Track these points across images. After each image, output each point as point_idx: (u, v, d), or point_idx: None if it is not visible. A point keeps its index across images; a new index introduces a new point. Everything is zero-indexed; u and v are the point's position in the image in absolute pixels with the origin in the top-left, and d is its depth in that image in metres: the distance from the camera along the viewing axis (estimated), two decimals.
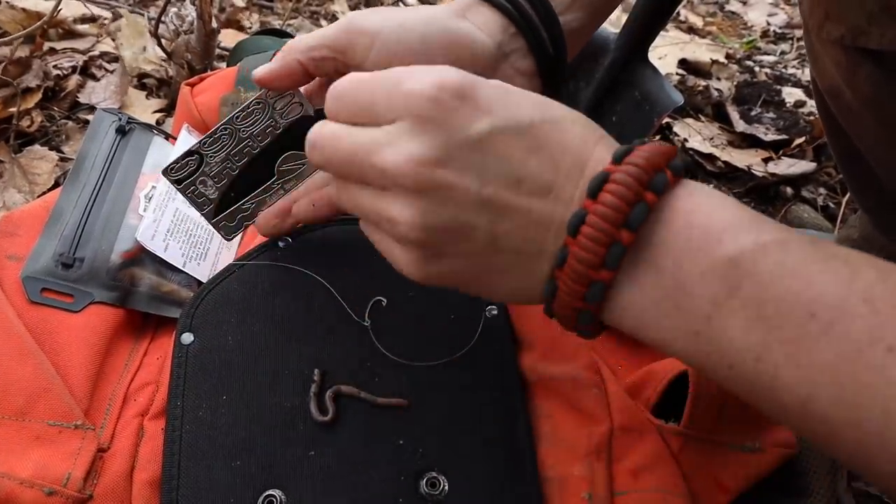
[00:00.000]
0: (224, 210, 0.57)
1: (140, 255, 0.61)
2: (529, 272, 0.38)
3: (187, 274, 0.62)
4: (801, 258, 0.32)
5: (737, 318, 0.32)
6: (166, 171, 0.54)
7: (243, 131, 0.54)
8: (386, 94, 0.37)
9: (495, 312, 0.55)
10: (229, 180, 0.56)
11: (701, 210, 0.34)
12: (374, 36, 0.48)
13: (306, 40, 0.50)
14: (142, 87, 1.15)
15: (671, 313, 0.34)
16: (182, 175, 0.55)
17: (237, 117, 0.54)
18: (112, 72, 1.14)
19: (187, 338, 0.54)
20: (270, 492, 0.46)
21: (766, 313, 0.31)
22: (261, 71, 0.51)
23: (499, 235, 0.36)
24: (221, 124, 0.53)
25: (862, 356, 0.29)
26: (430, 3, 1.61)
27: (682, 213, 0.34)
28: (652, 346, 0.36)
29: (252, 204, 0.57)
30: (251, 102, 0.53)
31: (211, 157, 0.55)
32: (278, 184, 0.57)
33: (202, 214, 0.57)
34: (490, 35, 0.51)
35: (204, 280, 0.62)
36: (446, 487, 0.47)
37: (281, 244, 0.58)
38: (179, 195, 0.56)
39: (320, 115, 0.43)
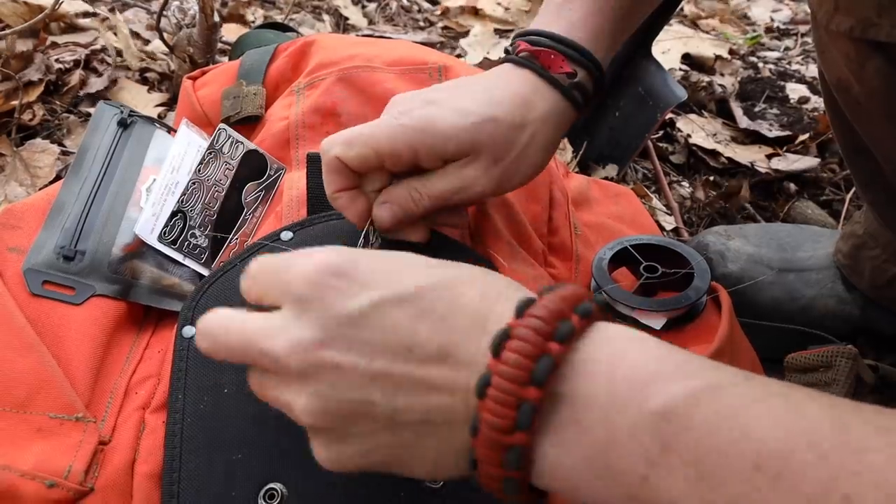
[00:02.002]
0: (217, 252, 0.63)
1: (141, 249, 0.61)
2: (446, 443, 0.35)
3: (188, 267, 0.62)
4: (736, 403, 0.29)
5: (675, 477, 0.29)
6: (160, 238, 0.61)
7: (207, 180, 0.63)
8: (275, 281, 0.37)
9: None
10: (212, 225, 0.63)
11: (623, 358, 0.32)
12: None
13: (437, 201, 0.53)
14: (144, 80, 1.15)
15: (603, 474, 0.31)
16: (174, 236, 0.62)
17: (198, 170, 0.62)
18: (114, 66, 1.14)
19: (189, 331, 0.53)
20: (272, 485, 0.46)
21: (707, 469, 0.28)
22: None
23: (399, 409, 0.34)
24: (189, 180, 0.62)
25: None
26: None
27: (602, 364, 0.32)
28: None
29: (237, 239, 0.65)
30: (204, 154, 0.62)
31: (191, 210, 0.63)
32: (249, 213, 0.66)
33: (201, 265, 0.63)
34: (547, 119, 0.55)
35: (205, 274, 0.62)
36: (447, 480, 0.47)
37: (283, 237, 0.58)
38: (178, 255, 0.62)
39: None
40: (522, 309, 0.33)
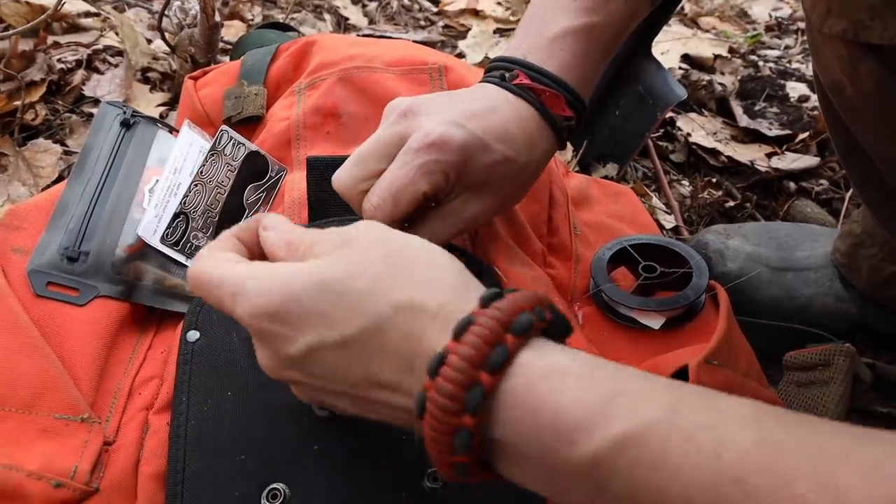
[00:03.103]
0: None
1: (144, 250, 0.62)
2: (407, 425, 0.39)
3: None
4: (660, 448, 0.29)
5: None
6: (163, 240, 0.61)
7: (209, 181, 0.63)
8: (228, 309, 0.41)
9: None
10: (214, 227, 0.64)
11: (545, 407, 0.32)
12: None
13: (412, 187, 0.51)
14: (145, 80, 1.16)
15: (557, 494, 0.34)
16: (177, 237, 0.62)
17: (201, 171, 0.62)
18: (116, 65, 1.15)
19: (193, 335, 0.54)
20: (275, 485, 0.47)
21: None
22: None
23: (361, 409, 0.41)
24: (191, 181, 0.62)
25: None
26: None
27: (526, 415, 0.33)
28: None
29: None
30: (207, 155, 0.62)
31: (193, 212, 0.63)
32: (250, 214, 0.66)
33: None
34: (544, 158, 0.58)
35: None
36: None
37: None
38: (180, 256, 0.63)
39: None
40: (434, 371, 0.34)
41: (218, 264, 0.41)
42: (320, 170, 0.62)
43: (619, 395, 0.32)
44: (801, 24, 1.76)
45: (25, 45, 1.06)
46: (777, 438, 0.28)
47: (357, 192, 0.52)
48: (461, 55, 1.43)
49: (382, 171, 0.51)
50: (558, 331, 0.37)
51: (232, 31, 1.34)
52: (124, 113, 0.69)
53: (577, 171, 0.92)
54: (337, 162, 0.63)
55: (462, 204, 0.54)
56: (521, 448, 0.33)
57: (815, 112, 1.33)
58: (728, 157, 1.18)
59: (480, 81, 0.59)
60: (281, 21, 1.18)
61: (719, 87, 1.37)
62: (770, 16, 1.82)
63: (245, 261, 0.42)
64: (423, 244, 0.41)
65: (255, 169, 0.67)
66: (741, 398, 0.32)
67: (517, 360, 0.34)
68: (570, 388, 0.32)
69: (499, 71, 0.58)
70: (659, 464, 0.29)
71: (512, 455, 0.34)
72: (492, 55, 1.42)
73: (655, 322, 0.60)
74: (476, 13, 1.61)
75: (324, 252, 0.40)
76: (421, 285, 0.38)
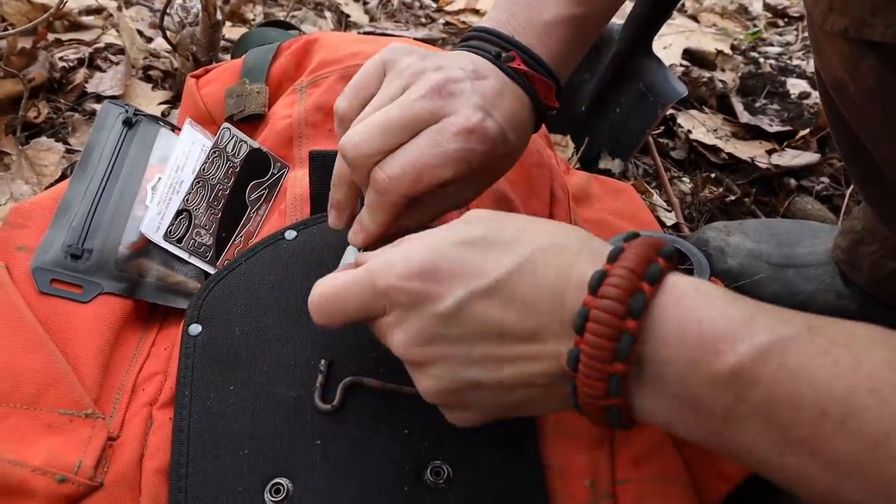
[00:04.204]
0: (222, 250, 0.64)
1: (147, 247, 0.62)
2: (551, 393, 0.40)
3: (194, 265, 0.63)
4: (801, 356, 0.32)
5: (752, 422, 0.33)
6: (166, 237, 0.62)
7: (212, 178, 0.64)
8: (370, 297, 0.42)
9: None
10: (217, 224, 0.64)
11: (692, 319, 0.34)
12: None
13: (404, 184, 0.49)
14: (147, 78, 1.16)
15: (690, 417, 0.35)
16: (179, 234, 0.63)
17: (203, 170, 0.63)
18: (118, 63, 1.15)
19: (195, 329, 0.54)
20: (278, 480, 0.47)
21: (779, 416, 0.32)
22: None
23: (504, 380, 0.40)
24: (194, 179, 0.62)
25: (879, 448, 0.29)
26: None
27: (674, 328, 0.35)
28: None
29: (241, 237, 0.65)
30: (209, 153, 0.62)
31: (196, 209, 0.63)
32: (253, 211, 0.67)
33: (206, 262, 0.64)
34: (527, 140, 0.56)
35: (211, 272, 0.63)
36: (450, 475, 0.48)
37: (287, 236, 0.59)
38: (183, 253, 0.63)
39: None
40: (596, 285, 0.36)
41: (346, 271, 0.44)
42: (323, 164, 0.62)
43: (760, 313, 0.34)
44: (803, 22, 1.76)
45: (25, 43, 1.06)
46: None
47: (371, 161, 0.49)
48: None
49: (402, 144, 0.49)
50: None
51: (233, 30, 1.34)
52: (126, 112, 0.70)
53: (577, 169, 0.92)
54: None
55: (461, 188, 0.53)
56: (664, 364, 0.35)
57: (816, 109, 1.33)
58: (729, 154, 1.18)
59: (465, 49, 0.56)
60: (282, 19, 1.18)
61: (720, 84, 1.37)
62: (772, 13, 1.82)
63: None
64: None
65: (257, 167, 0.67)
66: (868, 324, 0.34)
67: (666, 282, 0.36)
68: (715, 305, 0.34)
69: (491, 46, 0.55)
70: (798, 373, 0.31)
71: (654, 375, 0.35)
72: None
73: None
74: (476, 11, 1.61)
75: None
76: (559, 232, 0.40)
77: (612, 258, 0.36)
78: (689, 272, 0.62)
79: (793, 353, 0.32)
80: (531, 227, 0.41)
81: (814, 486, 0.32)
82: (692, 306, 0.35)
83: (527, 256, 0.38)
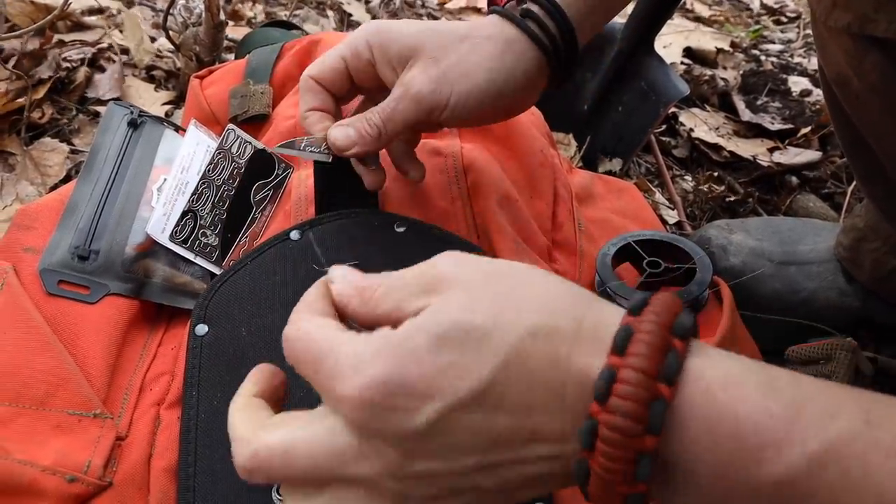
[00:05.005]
0: (228, 251, 0.65)
1: (153, 248, 0.62)
2: (556, 480, 0.33)
3: (200, 266, 0.63)
4: (861, 463, 0.26)
5: None
6: (172, 238, 0.62)
7: (217, 180, 0.64)
8: (319, 384, 0.34)
9: None
10: (222, 225, 0.65)
11: (724, 418, 0.28)
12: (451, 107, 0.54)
13: (389, 122, 0.55)
14: (150, 79, 1.16)
15: None
16: (185, 235, 0.63)
17: (208, 171, 0.63)
18: (123, 64, 1.15)
19: (201, 329, 0.55)
20: None
21: None
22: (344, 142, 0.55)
23: (506, 481, 0.33)
24: (199, 180, 0.62)
25: None
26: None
27: (702, 431, 0.28)
28: None
29: (246, 238, 0.66)
30: (214, 154, 0.62)
31: (201, 210, 0.64)
32: (258, 212, 0.67)
33: (212, 263, 0.64)
34: (528, 71, 0.56)
35: (217, 272, 0.63)
36: None
37: (292, 236, 0.59)
38: (189, 254, 0.63)
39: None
40: (603, 396, 0.29)
41: (321, 329, 0.35)
42: (326, 165, 0.62)
43: (806, 403, 0.28)
44: (805, 19, 1.77)
45: (30, 45, 1.06)
46: None
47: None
48: None
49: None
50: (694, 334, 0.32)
51: (236, 29, 1.34)
52: (131, 113, 0.70)
53: (580, 168, 0.93)
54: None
55: (403, 73, 0.56)
56: (694, 470, 0.29)
57: (818, 106, 1.34)
58: (730, 152, 1.18)
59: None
60: (284, 19, 1.18)
61: (721, 82, 1.38)
62: (774, 10, 1.82)
63: (344, 329, 0.35)
64: (510, 262, 0.36)
65: (261, 167, 0.67)
66: None
67: (688, 368, 0.30)
68: (751, 398, 0.28)
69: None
70: (860, 485, 0.26)
71: (681, 480, 0.30)
72: None
73: None
74: (477, 10, 1.61)
75: (408, 296, 0.34)
76: (547, 307, 0.32)
77: (620, 348, 0.29)
78: (693, 271, 0.63)
79: (852, 459, 0.27)
80: (508, 303, 0.32)
81: None
82: (725, 402, 0.29)
83: (512, 347, 0.31)
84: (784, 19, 1.80)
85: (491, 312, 0.32)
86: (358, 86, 0.59)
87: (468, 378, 0.31)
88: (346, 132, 0.54)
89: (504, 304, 0.32)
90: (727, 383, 0.29)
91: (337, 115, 0.59)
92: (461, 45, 0.55)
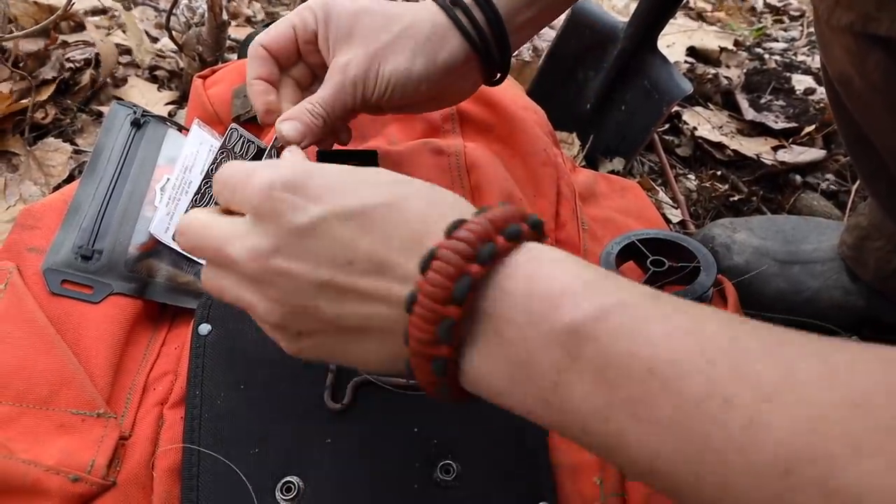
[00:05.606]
0: None
1: (157, 247, 0.62)
2: (385, 346, 0.38)
3: (203, 265, 0.63)
4: (641, 318, 0.31)
5: (581, 384, 0.32)
6: (174, 237, 0.61)
7: None
8: (240, 189, 0.40)
9: None
10: None
11: (541, 276, 0.34)
12: (389, 82, 0.57)
13: (331, 109, 0.57)
14: (153, 79, 1.16)
15: (523, 382, 0.34)
16: None
17: (211, 170, 0.61)
18: (125, 64, 1.15)
19: (204, 328, 0.55)
20: (288, 478, 0.48)
21: (609, 376, 0.31)
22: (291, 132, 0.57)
23: (342, 315, 0.38)
24: (202, 180, 0.61)
25: (700, 410, 0.29)
26: None
27: (521, 282, 0.34)
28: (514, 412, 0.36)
29: None
30: (217, 153, 0.62)
31: (205, 209, 0.62)
32: None
33: None
34: (449, 60, 0.58)
35: None
36: (460, 473, 0.48)
37: None
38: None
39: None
40: (451, 230, 0.35)
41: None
42: (330, 162, 0.63)
43: (608, 278, 0.34)
44: (808, 17, 1.76)
45: (35, 45, 1.06)
46: (741, 330, 0.31)
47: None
48: None
49: None
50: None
51: (240, 29, 1.34)
52: (135, 113, 0.70)
53: (583, 167, 0.92)
54: (347, 154, 0.64)
55: (338, 57, 0.58)
56: (506, 321, 0.34)
57: (822, 105, 1.33)
58: (734, 151, 1.18)
59: None
60: None
61: (725, 81, 1.37)
62: (777, 9, 1.82)
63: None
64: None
65: None
66: (720, 309, 0.34)
67: (524, 244, 0.35)
68: (568, 267, 0.34)
69: None
70: (635, 332, 0.31)
71: (495, 333, 0.34)
72: None
73: None
74: None
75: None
76: (445, 192, 0.40)
77: (448, 232, 0.35)
78: (697, 270, 0.63)
79: (634, 314, 0.32)
80: (422, 184, 0.40)
81: (632, 456, 0.31)
82: (543, 264, 0.34)
83: (401, 195, 0.38)
84: (786, 19, 1.80)
85: (395, 176, 0.40)
86: (303, 57, 0.61)
87: (356, 197, 0.37)
88: (294, 126, 0.56)
89: (420, 182, 0.40)
90: (553, 255, 0.35)
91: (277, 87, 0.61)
92: (392, 27, 0.57)
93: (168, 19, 1.04)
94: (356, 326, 0.38)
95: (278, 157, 0.59)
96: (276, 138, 0.58)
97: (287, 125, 0.56)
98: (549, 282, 0.33)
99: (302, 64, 0.61)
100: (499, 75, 0.63)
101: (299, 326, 0.40)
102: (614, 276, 0.35)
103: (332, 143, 0.63)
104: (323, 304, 0.38)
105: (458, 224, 0.35)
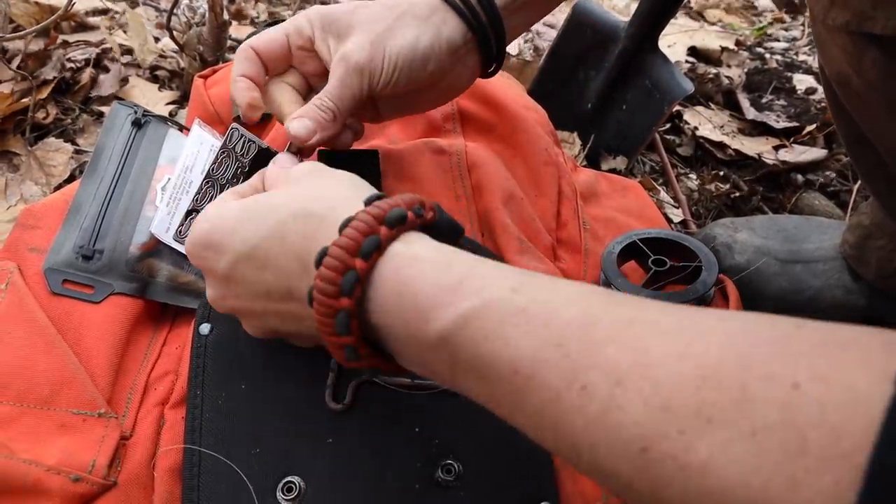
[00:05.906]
0: None
1: (158, 247, 0.62)
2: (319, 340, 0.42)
3: None
4: (496, 320, 0.33)
5: (468, 381, 0.35)
6: (176, 237, 0.61)
7: (221, 178, 0.63)
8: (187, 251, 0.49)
9: None
10: None
11: (408, 287, 0.37)
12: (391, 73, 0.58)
13: (340, 102, 0.57)
14: (154, 78, 1.16)
15: (426, 369, 0.38)
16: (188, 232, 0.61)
17: (212, 169, 0.62)
18: (126, 64, 1.15)
19: (205, 328, 0.55)
20: (289, 478, 0.47)
21: (484, 374, 0.34)
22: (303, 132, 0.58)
23: (281, 326, 0.46)
24: (203, 179, 0.62)
25: (561, 400, 0.30)
26: None
27: (394, 296, 0.37)
28: None
29: None
30: (217, 153, 0.62)
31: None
32: None
33: None
34: (451, 38, 0.59)
35: None
36: (461, 473, 0.48)
37: None
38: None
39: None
40: (343, 228, 0.38)
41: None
42: (331, 163, 0.62)
43: (469, 278, 0.36)
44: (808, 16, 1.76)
45: (35, 45, 1.06)
46: (597, 313, 0.32)
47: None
48: None
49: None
50: (447, 231, 0.42)
51: (241, 29, 1.34)
52: (135, 113, 0.70)
53: (584, 166, 0.92)
54: (348, 154, 0.64)
55: (341, 48, 0.59)
56: (392, 329, 0.37)
57: (823, 104, 1.33)
58: (735, 151, 1.18)
59: None
60: (287, 18, 1.18)
61: (726, 80, 1.37)
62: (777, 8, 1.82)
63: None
64: (340, 172, 0.47)
65: (265, 166, 0.67)
66: (581, 282, 0.36)
67: (389, 251, 0.38)
68: (429, 273, 0.37)
69: None
70: (493, 334, 0.33)
71: (389, 336, 0.38)
72: None
73: None
74: None
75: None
76: (318, 198, 0.43)
77: (340, 230, 0.39)
78: (698, 269, 0.63)
79: (490, 316, 0.34)
80: (300, 194, 0.44)
81: (531, 438, 0.34)
82: (408, 276, 0.37)
83: (278, 223, 0.43)
84: (787, 18, 1.79)
85: (282, 198, 0.44)
86: (295, 63, 0.61)
87: (246, 241, 0.43)
88: (304, 124, 0.56)
89: (297, 193, 0.44)
90: (413, 261, 0.38)
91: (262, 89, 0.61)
92: (390, 14, 0.58)
93: (169, 19, 1.04)
94: (295, 331, 0.47)
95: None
96: (289, 143, 0.58)
97: (296, 123, 0.56)
98: (415, 293, 0.36)
99: (296, 72, 0.61)
100: (494, 66, 0.63)
101: (280, 332, 0.48)
102: (477, 268, 0.36)
103: (350, 140, 0.63)
104: (270, 322, 0.46)
105: (347, 222, 0.39)
